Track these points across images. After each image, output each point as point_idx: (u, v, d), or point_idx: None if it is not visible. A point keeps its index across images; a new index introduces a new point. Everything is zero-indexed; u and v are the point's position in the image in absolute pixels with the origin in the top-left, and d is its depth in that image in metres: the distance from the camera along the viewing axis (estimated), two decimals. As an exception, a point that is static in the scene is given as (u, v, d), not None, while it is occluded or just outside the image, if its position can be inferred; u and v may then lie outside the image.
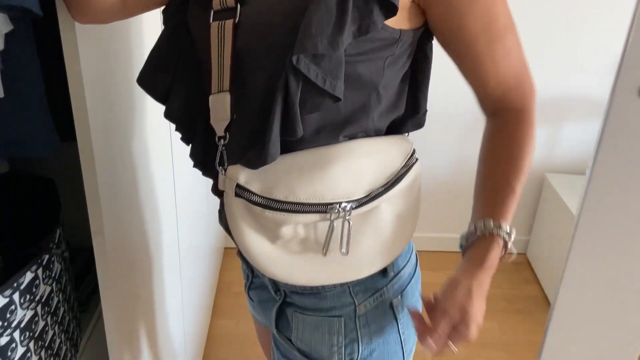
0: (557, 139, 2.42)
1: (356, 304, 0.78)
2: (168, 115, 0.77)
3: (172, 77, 0.76)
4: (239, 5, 0.67)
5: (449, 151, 2.45)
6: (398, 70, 0.72)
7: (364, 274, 0.76)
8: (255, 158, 0.67)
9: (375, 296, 0.79)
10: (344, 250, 0.71)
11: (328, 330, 0.78)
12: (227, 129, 0.70)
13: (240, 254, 0.88)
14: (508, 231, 0.70)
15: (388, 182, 0.74)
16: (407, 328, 0.84)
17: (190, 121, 0.77)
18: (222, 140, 0.70)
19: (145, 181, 1.11)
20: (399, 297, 0.81)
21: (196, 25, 0.73)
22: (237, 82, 0.69)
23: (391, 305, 0.80)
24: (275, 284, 0.81)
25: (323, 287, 0.77)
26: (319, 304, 0.78)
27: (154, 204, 1.19)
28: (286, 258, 0.72)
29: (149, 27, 1.12)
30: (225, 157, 0.71)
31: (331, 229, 0.70)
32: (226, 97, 0.69)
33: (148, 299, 1.19)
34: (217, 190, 0.79)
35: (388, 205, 0.74)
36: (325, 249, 0.71)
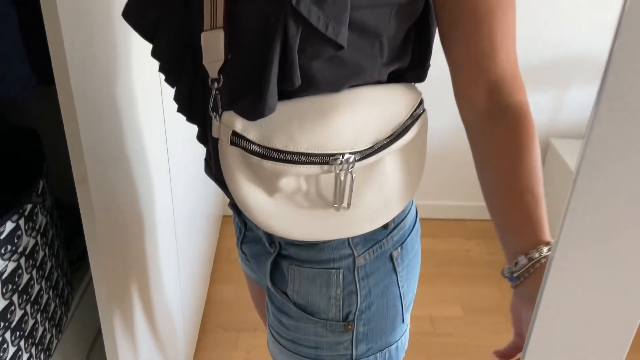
0: (562, 103, 2.38)
1: (355, 255, 0.76)
2: (154, 53, 0.72)
3: (160, 12, 0.70)
4: None
5: (449, 117, 2.41)
6: (405, 20, 0.67)
7: (365, 229, 0.73)
8: (251, 109, 0.62)
9: (375, 248, 0.76)
10: (345, 204, 0.68)
11: (326, 283, 0.76)
12: (220, 71, 0.65)
13: (233, 205, 0.85)
14: (543, 242, 0.64)
15: (393, 133, 0.69)
16: (407, 281, 0.81)
17: (176, 61, 0.72)
18: (215, 83, 0.65)
19: (132, 130, 1.07)
20: (399, 249, 0.79)
21: None
22: (232, 18, 0.64)
23: (391, 257, 0.78)
24: (270, 236, 0.79)
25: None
26: (317, 255, 0.76)
27: (143, 157, 1.15)
28: (284, 211, 0.69)
29: None
30: (219, 102, 0.66)
31: (338, 181, 0.66)
32: (220, 35, 0.64)
33: (141, 258, 1.16)
34: (203, 138, 0.76)
35: (392, 158, 0.71)
36: (337, 202, 0.68)
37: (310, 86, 0.65)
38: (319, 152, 0.64)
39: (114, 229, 0.97)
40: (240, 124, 0.64)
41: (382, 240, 0.77)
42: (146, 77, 1.16)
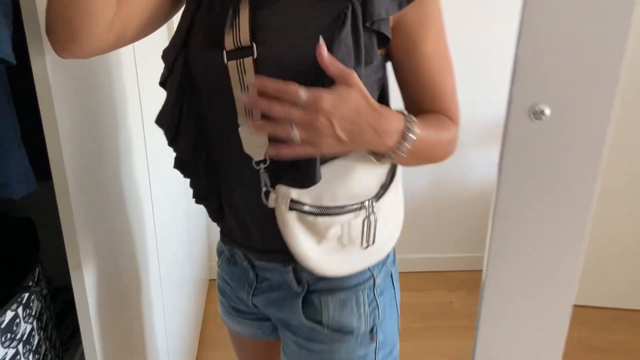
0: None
1: (375, 277, 0.91)
2: (179, 153, 0.87)
3: (185, 117, 0.83)
4: (254, 45, 0.73)
5: (429, 172, 2.50)
6: (378, 89, 0.84)
7: (382, 256, 0.90)
8: (305, 179, 0.76)
9: (384, 269, 0.93)
10: (371, 241, 0.84)
11: (356, 303, 0.90)
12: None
13: (249, 263, 0.95)
14: (414, 121, 0.74)
15: (388, 175, 0.87)
16: (399, 291, 0.99)
17: (195, 156, 0.86)
18: (261, 164, 0.79)
19: (122, 216, 1.14)
20: (393, 267, 0.97)
21: (203, 68, 0.79)
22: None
23: (390, 275, 0.96)
24: (299, 278, 0.90)
25: None
26: (346, 283, 0.89)
27: (132, 240, 1.21)
28: (330, 255, 0.83)
29: (120, 61, 1.16)
30: (267, 178, 0.79)
31: (368, 223, 0.82)
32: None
33: (130, 334, 1.20)
34: (217, 215, 0.91)
35: (390, 195, 0.86)
36: (365, 241, 0.84)
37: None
38: (353, 202, 0.80)
39: (106, 309, 1.01)
40: (295, 193, 0.77)
41: (386, 262, 0.94)
42: (136, 170, 1.23)
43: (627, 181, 2.20)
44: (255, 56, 0.73)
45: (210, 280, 2.58)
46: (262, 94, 0.68)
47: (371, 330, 0.91)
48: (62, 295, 1.32)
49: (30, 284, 0.92)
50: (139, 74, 1.27)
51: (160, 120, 0.85)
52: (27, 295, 0.90)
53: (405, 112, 0.76)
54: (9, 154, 0.80)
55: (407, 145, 0.73)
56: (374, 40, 0.74)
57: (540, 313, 0.40)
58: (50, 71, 0.79)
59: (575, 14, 0.30)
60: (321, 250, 0.82)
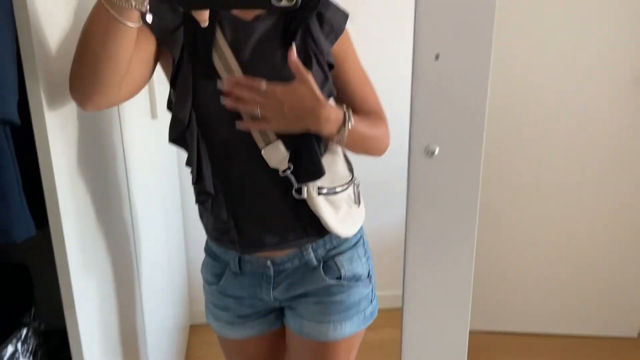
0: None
1: (362, 235, 1.22)
2: (201, 189, 1.07)
3: (198, 161, 1.05)
4: None
5: (394, 211, 2.62)
6: (331, 95, 1.11)
7: (364, 217, 1.20)
8: (317, 175, 1.06)
9: (362, 231, 1.22)
10: (359, 200, 1.17)
11: (358, 256, 1.19)
12: (290, 161, 1.05)
13: (272, 263, 1.15)
14: (350, 114, 1.02)
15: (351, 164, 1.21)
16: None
17: (215, 189, 1.08)
18: (287, 171, 1.05)
19: (109, 263, 1.23)
20: (363, 231, 1.25)
21: (216, 113, 1.01)
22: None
23: (362, 234, 1.24)
24: (316, 255, 1.15)
25: None
26: (348, 244, 1.17)
27: (120, 285, 1.29)
28: (343, 220, 1.12)
29: (110, 119, 1.27)
30: (294, 180, 1.05)
31: (357, 190, 1.17)
32: (278, 144, 1.04)
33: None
34: (234, 234, 1.13)
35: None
36: (357, 201, 1.17)
37: None
38: (349, 179, 1.15)
39: (98, 351, 1.09)
40: (319, 183, 1.08)
41: (362, 228, 1.22)
42: (123, 218, 1.33)
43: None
44: None
45: (191, 326, 2.62)
46: (236, 85, 0.96)
47: (368, 274, 1.21)
48: (55, 337, 1.38)
49: (28, 320, 1.00)
50: (123, 130, 1.39)
51: (191, 163, 1.04)
52: (25, 331, 0.98)
53: (346, 108, 1.03)
54: (11, 201, 0.89)
55: (346, 131, 1.01)
56: (325, 66, 1.06)
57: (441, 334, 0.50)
58: (49, 128, 0.90)
59: (451, 79, 0.42)
60: (339, 219, 1.11)
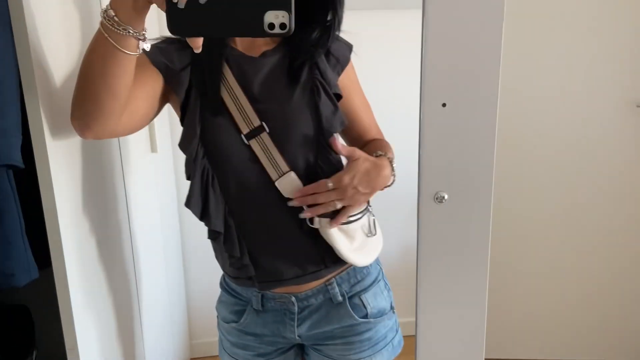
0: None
1: (381, 269, 1.21)
2: (214, 227, 1.06)
3: (205, 198, 1.04)
4: (263, 123, 1.01)
5: (397, 235, 2.61)
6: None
7: (381, 247, 1.18)
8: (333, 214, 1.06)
9: (379, 264, 1.22)
10: (374, 231, 1.16)
11: (380, 290, 1.18)
12: None
13: (296, 297, 1.13)
14: (389, 157, 1.07)
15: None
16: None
17: (225, 226, 1.07)
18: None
19: (110, 301, 1.22)
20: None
21: (226, 150, 1.02)
22: (290, 160, 1.04)
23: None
24: (340, 290, 1.14)
25: (368, 266, 1.16)
26: (370, 280, 1.17)
27: (119, 324, 1.28)
28: (359, 251, 1.11)
29: (111, 160, 1.28)
30: (306, 208, 1.05)
31: (372, 219, 1.16)
32: (290, 174, 1.04)
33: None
34: (250, 269, 1.10)
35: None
36: (373, 231, 1.15)
37: None
38: (363, 208, 1.11)
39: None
40: (332, 213, 1.06)
41: (379, 260, 1.22)
42: (126, 255, 1.33)
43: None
44: (268, 131, 1.01)
45: (191, 359, 2.59)
46: (306, 194, 1.03)
47: (391, 306, 1.21)
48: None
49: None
50: (124, 166, 1.39)
51: (189, 203, 1.04)
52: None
53: (381, 152, 1.08)
54: (14, 245, 0.89)
55: (394, 172, 1.07)
56: (333, 97, 1.07)
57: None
58: (53, 170, 0.90)
59: (459, 126, 0.43)
60: (353, 248, 1.10)
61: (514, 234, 2.33)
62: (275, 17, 0.66)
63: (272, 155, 1.03)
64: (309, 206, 1.04)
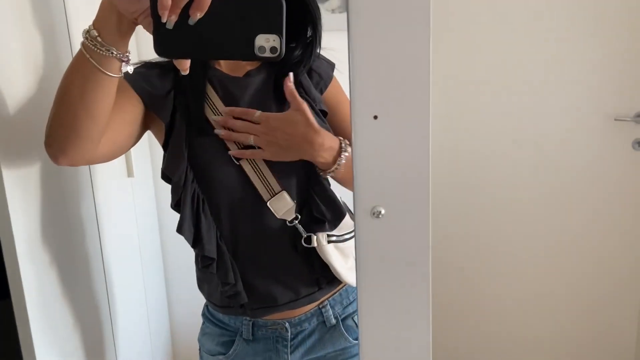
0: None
1: None
2: (205, 251, 1.01)
3: (196, 223, 1.01)
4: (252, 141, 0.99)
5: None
6: None
7: None
8: (334, 225, 1.07)
9: None
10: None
11: None
12: (297, 212, 1.04)
13: (290, 324, 1.10)
14: (346, 143, 1.02)
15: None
16: None
17: (218, 252, 1.03)
18: (294, 221, 1.04)
19: (80, 332, 1.17)
20: None
21: (216, 173, 1.00)
22: (282, 180, 1.02)
23: None
24: (333, 312, 1.12)
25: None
26: None
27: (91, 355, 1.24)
28: (350, 268, 1.08)
29: (82, 175, 1.24)
30: (302, 229, 1.04)
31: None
32: (283, 194, 1.02)
33: None
34: (243, 296, 1.05)
35: None
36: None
37: None
38: (352, 228, 1.09)
39: None
40: (328, 231, 1.06)
41: None
42: (97, 283, 1.29)
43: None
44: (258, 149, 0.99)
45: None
46: (231, 115, 0.98)
47: None
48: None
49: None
50: (95, 190, 1.36)
51: (181, 229, 1.00)
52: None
53: (342, 138, 1.02)
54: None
55: (343, 159, 1.00)
56: (319, 113, 1.06)
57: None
58: (8, 193, 0.87)
59: (391, 139, 0.41)
60: (348, 267, 1.08)
61: (478, 252, 2.31)
62: (266, 41, 0.66)
63: (263, 174, 1.01)
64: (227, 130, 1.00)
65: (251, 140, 0.98)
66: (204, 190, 1.01)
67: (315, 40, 1.04)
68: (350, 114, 0.40)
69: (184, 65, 0.72)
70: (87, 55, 0.76)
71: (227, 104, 1.01)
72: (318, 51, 1.08)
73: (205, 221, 1.01)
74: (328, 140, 0.99)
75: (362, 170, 0.42)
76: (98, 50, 0.76)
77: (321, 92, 1.10)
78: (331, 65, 1.13)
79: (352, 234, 1.10)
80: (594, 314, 2.27)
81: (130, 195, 1.76)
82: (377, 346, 0.45)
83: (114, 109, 0.88)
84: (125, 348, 1.55)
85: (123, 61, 0.78)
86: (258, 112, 0.97)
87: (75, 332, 1.15)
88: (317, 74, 1.09)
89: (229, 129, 0.99)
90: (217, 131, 0.99)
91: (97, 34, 0.75)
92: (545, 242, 2.23)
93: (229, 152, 1.00)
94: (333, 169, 1.01)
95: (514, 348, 2.38)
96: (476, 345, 2.42)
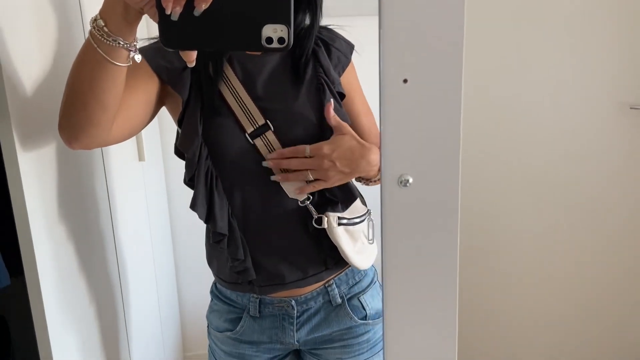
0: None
1: (376, 271, 1.20)
2: (218, 228, 1.02)
3: (210, 200, 1.02)
4: (268, 121, 1.00)
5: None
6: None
7: (377, 253, 1.14)
8: (345, 206, 1.08)
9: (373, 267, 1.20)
10: (373, 237, 1.14)
11: (377, 291, 1.17)
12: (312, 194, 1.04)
13: (297, 302, 1.11)
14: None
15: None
16: None
17: (230, 228, 1.04)
18: (306, 201, 1.05)
19: (94, 313, 1.18)
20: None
21: (231, 150, 1.00)
22: None
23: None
24: (339, 293, 1.13)
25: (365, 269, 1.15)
26: (368, 280, 1.17)
27: (105, 338, 1.24)
28: (360, 253, 1.10)
29: (96, 160, 1.24)
30: (314, 210, 1.05)
31: (372, 224, 1.13)
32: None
33: None
34: (252, 273, 1.07)
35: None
36: (371, 237, 1.13)
37: None
38: (365, 212, 1.12)
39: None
40: (339, 214, 1.06)
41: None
42: (106, 272, 1.29)
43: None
44: (273, 129, 1.00)
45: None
46: (282, 157, 1.00)
47: None
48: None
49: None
50: (107, 174, 1.36)
51: (195, 206, 1.00)
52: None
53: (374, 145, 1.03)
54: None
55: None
56: (337, 96, 1.07)
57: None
58: (24, 174, 0.87)
59: (422, 104, 0.40)
60: (355, 250, 1.09)
61: (508, 240, 2.29)
62: (273, 31, 0.63)
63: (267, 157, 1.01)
64: (283, 171, 1.01)
65: (310, 177, 1.00)
66: (217, 168, 1.01)
67: (317, 8, 1.02)
68: (379, 78, 0.39)
69: (191, 57, 0.70)
70: (95, 45, 0.75)
71: (244, 82, 1.00)
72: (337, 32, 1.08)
73: (218, 198, 1.01)
74: (375, 151, 1.01)
75: (390, 137, 0.40)
76: (105, 41, 0.74)
77: (339, 75, 1.09)
78: (350, 47, 1.12)
79: (362, 217, 1.11)
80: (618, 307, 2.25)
81: (141, 178, 1.76)
82: (401, 319, 0.44)
83: (128, 89, 0.88)
84: (137, 326, 1.56)
85: (130, 50, 0.77)
86: (307, 148, 0.99)
87: (90, 309, 1.15)
88: (336, 55, 1.09)
89: (284, 169, 1.01)
90: (273, 177, 1.01)
91: (103, 24, 0.73)
92: (562, 232, 2.21)
93: (290, 194, 1.02)
94: (378, 176, 1.03)
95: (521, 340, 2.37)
96: (482, 341, 2.41)
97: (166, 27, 0.64)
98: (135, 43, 0.77)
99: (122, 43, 0.75)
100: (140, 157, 1.75)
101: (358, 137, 1.00)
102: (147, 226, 1.83)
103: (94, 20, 0.74)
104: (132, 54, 0.78)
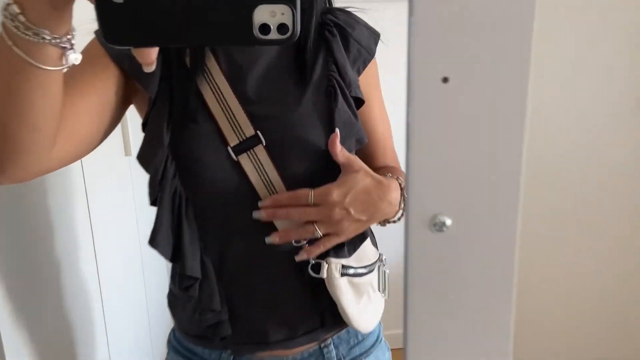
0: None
1: (380, 322, 0.94)
2: (190, 271, 0.78)
3: (178, 233, 0.78)
4: (259, 132, 0.75)
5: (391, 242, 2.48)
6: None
7: (382, 308, 0.93)
8: (353, 250, 0.82)
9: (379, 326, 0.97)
10: (384, 288, 0.92)
11: (383, 353, 0.94)
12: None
13: None
14: (402, 182, 0.82)
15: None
16: None
17: (203, 270, 0.80)
18: (302, 241, 0.79)
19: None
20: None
21: (206, 168, 0.76)
22: (290, 183, 0.77)
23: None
24: (337, 353, 0.88)
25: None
26: (372, 338, 0.93)
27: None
28: (364, 312, 0.86)
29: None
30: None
31: (383, 272, 0.91)
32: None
33: None
34: (229, 327, 0.83)
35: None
36: (382, 288, 0.91)
37: None
38: (376, 258, 0.89)
39: None
40: (344, 261, 0.81)
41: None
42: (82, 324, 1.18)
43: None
44: (264, 143, 0.76)
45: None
46: (278, 205, 0.75)
47: None
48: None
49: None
50: (84, 170, 1.25)
51: (154, 241, 0.76)
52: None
53: (390, 175, 0.81)
54: None
55: (403, 205, 0.79)
56: (352, 102, 0.82)
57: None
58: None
59: (465, 110, 0.27)
60: (359, 309, 0.85)
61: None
62: (270, 15, 0.42)
63: (267, 175, 0.77)
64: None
65: (319, 232, 0.75)
66: (188, 190, 0.78)
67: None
68: (407, 76, 0.25)
69: (149, 57, 0.47)
70: (10, 42, 0.50)
71: (230, 79, 0.76)
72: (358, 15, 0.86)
73: (188, 230, 0.78)
74: (395, 187, 0.79)
75: (420, 161, 0.27)
76: (23, 35, 0.49)
77: (358, 73, 0.85)
78: (374, 37, 0.87)
79: (372, 267, 0.87)
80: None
81: (128, 174, 1.65)
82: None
83: (76, 90, 0.68)
84: (119, 332, 1.46)
85: (63, 47, 0.52)
86: (310, 192, 0.74)
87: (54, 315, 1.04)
88: (355, 47, 0.84)
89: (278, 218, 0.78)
90: (268, 239, 0.77)
91: (19, 11, 0.49)
92: (578, 227, 2.19)
93: (296, 259, 0.78)
94: (399, 215, 0.80)
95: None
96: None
97: (109, 15, 0.42)
98: (69, 37, 0.52)
99: (49, 38, 0.50)
100: (127, 152, 1.63)
101: (372, 172, 0.77)
102: (134, 224, 1.72)
103: (6, 5, 0.49)
104: (67, 52, 0.53)
